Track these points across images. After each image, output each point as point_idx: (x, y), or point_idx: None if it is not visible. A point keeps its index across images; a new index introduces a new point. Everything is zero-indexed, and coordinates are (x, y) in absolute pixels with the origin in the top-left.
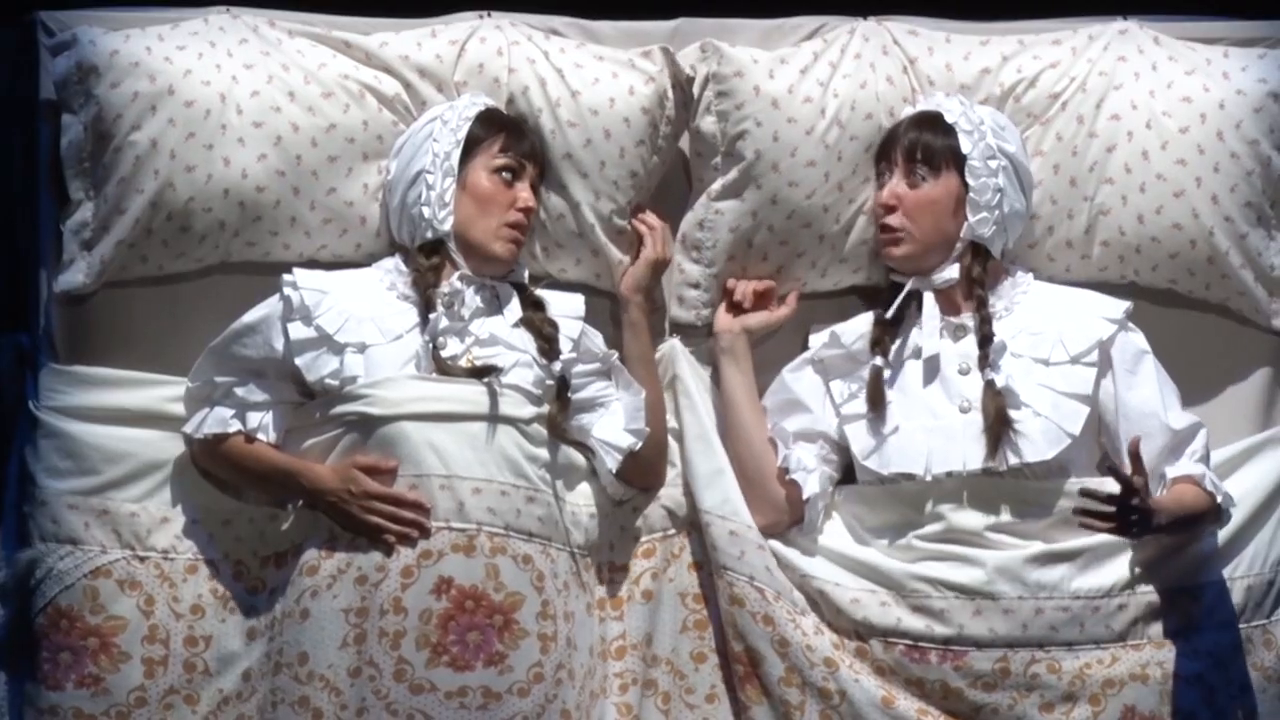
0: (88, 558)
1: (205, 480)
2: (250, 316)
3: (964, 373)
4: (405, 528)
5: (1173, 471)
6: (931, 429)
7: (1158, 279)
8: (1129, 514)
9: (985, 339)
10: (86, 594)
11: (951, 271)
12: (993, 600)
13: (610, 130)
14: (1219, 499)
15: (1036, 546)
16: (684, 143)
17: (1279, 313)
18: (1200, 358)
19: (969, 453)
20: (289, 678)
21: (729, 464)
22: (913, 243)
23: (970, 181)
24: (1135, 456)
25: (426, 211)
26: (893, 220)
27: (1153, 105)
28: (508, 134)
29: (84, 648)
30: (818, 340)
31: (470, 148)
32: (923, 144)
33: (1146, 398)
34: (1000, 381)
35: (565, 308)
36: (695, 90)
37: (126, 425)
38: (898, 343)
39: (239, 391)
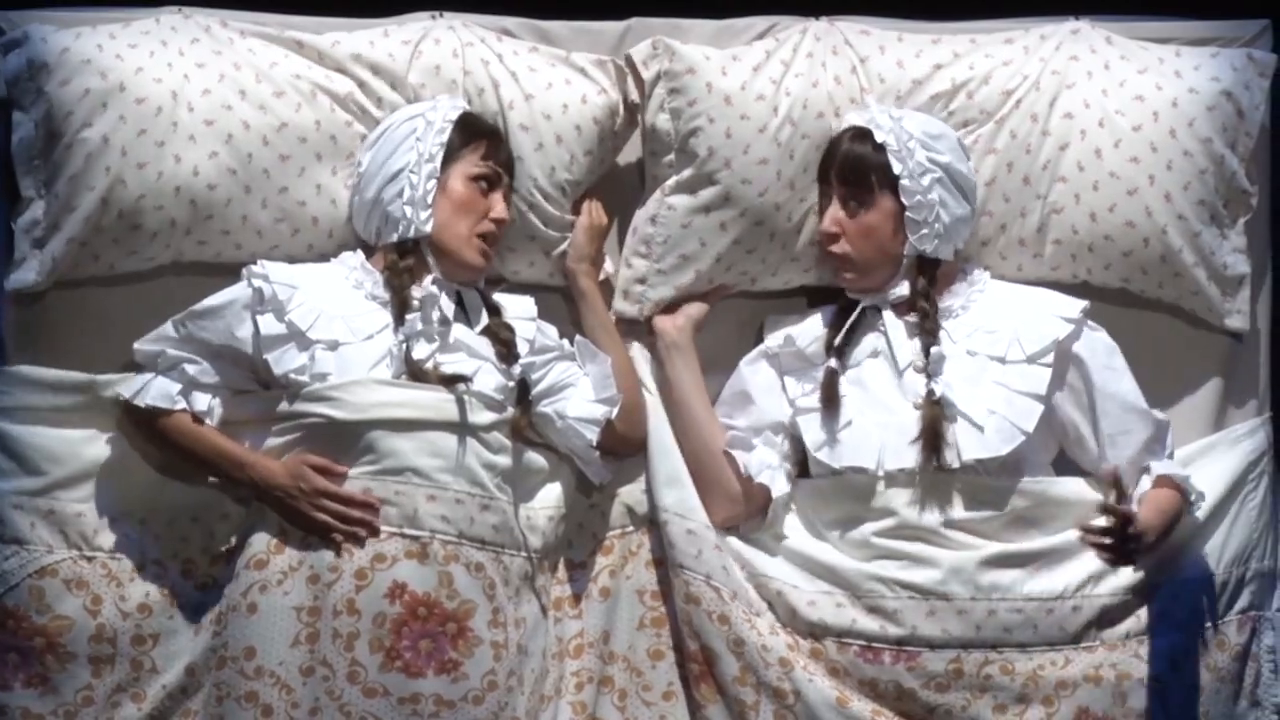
0: (33, 558)
1: (134, 454)
2: (214, 300)
3: (919, 370)
4: (353, 527)
5: (1158, 468)
6: (885, 424)
7: (1110, 278)
8: (1128, 542)
9: (925, 348)
10: (32, 594)
11: (903, 289)
12: (946, 601)
13: (561, 136)
14: (1192, 497)
15: (992, 548)
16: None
17: (1231, 312)
18: (1153, 357)
19: (918, 450)
20: (234, 671)
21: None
22: (861, 270)
23: (905, 201)
24: (1117, 484)
25: (408, 211)
26: (837, 249)
27: (1105, 103)
28: (489, 143)
29: (31, 648)
30: (773, 337)
31: (449, 151)
32: (853, 168)
33: (1127, 390)
34: (939, 390)
35: (518, 310)
36: (646, 89)
37: (72, 427)
38: (852, 343)
39: (190, 370)
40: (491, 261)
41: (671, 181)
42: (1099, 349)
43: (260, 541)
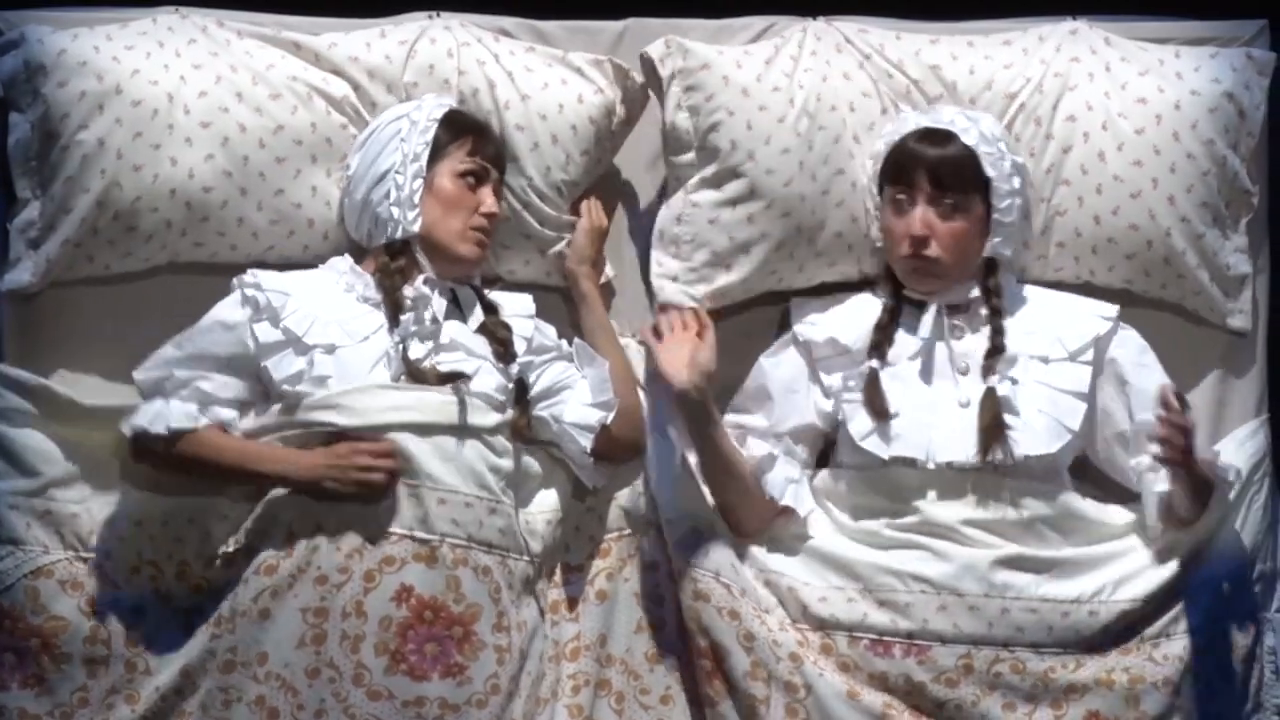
0: (29, 558)
1: (137, 480)
2: (222, 315)
3: (964, 372)
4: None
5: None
6: (931, 420)
7: (1114, 279)
8: (1187, 439)
9: (996, 349)
10: (28, 594)
11: (973, 290)
12: (958, 596)
13: (557, 135)
14: (1230, 476)
15: (1010, 549)
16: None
17: (1234, 312)
18: (1156, 357)
19: (969, 447)
20: (246, 676)
21: (690, 462)
22: (949, 275)
23: (995, 203)
24: (1166, 403)
25: (395, 211)
26: (931, 252)
27: (1108, 106)
28: (475, 138)
29: (27, 648)
30: (811, 331)
31: (436, 149)
32: (949, 170)
33: (1162, 382)
34: (1003, 390)
35: (516, 308)
36: (664, 87)
37: (67, 433)
38: (897, 342)
39: (205, 385)
40: (486, 255)
41: (695, 179)
42: (1131, 347)
43: (270, 549)
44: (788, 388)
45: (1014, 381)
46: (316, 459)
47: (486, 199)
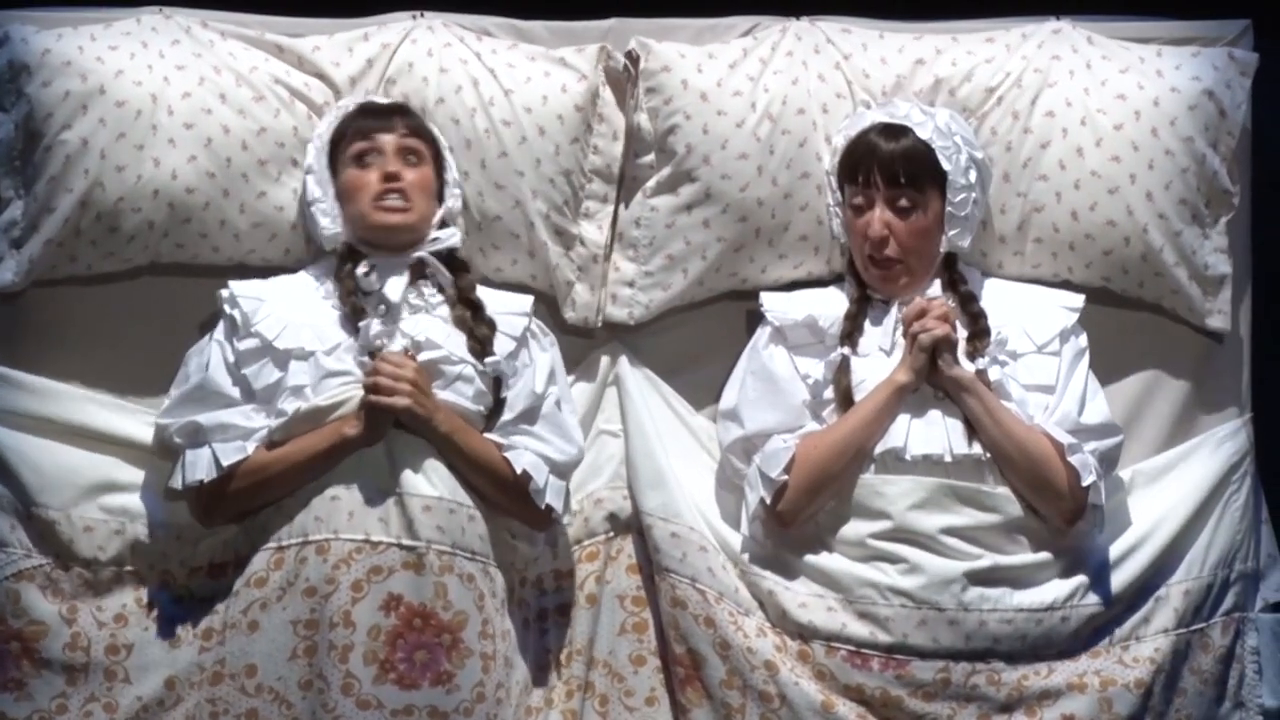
0: (10, 560)
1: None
2: (215, 354)
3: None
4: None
5: (1059, 436)
6: (908, 412)
7: (1091, 276)
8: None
9: (981, 332)
10: (9, 597)
11: (935, 288)
12: (938, 611)
13: (544, 128)
14: (1073, 460)
15: (985, 560)
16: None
17: (1212, 312)
18: (1133, 355)
19: (952, 439)
20: (235, 689)
21: (670, 465)
22: (910, 273)
23: (951, 197)
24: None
25: (321, 225)
26: (892, 253)
27: (1087, 102)
28: (357, 122)
29: (6, 651)
30: (785, 314)
31: (336, 153)
32: (905, 167)
33: (1073, 394)
34: (994, 375)
35: (510, 305)
36: (628, 89)
37: (51, 438)
38: (864, 335)
39: (233, 420)
40: (411, 216)
41: (652, 182)
42: (1074, 351)
43: (260, 560)
44: (789, 378)
45: (1003, 365)
46: (352, 416)
47: (381, 165)
